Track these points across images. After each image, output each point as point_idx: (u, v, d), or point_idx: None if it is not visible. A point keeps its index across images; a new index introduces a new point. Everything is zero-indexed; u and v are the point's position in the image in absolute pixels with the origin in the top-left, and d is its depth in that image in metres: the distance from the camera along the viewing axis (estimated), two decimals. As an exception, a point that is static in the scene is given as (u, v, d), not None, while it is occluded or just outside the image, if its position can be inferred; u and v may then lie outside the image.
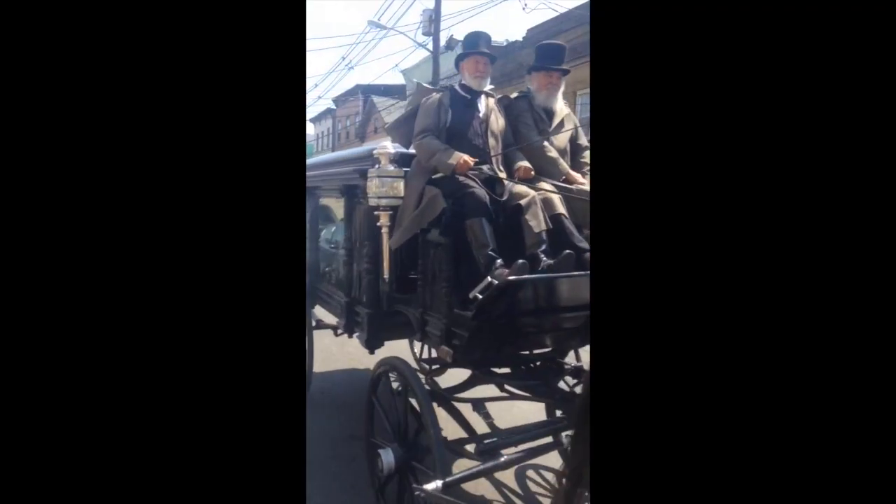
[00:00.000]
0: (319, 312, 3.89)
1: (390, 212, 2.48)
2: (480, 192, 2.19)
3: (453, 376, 2.65)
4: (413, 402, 2.26)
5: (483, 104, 2.56)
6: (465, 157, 2.28)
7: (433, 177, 2.38)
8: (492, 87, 2.66)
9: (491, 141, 2.49)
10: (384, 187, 2.44)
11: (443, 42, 13.54)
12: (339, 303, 3.28)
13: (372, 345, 2.93)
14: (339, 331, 3.59)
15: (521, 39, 13.84)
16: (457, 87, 2.62)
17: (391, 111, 19.31)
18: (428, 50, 13.30)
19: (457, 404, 2.52)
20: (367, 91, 23.29)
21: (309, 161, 4.01)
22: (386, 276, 2.53)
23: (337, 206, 3.53)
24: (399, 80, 19.53)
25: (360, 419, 2.72)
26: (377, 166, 2.48)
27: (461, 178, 2.24)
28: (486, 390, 2.62)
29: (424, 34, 13.41)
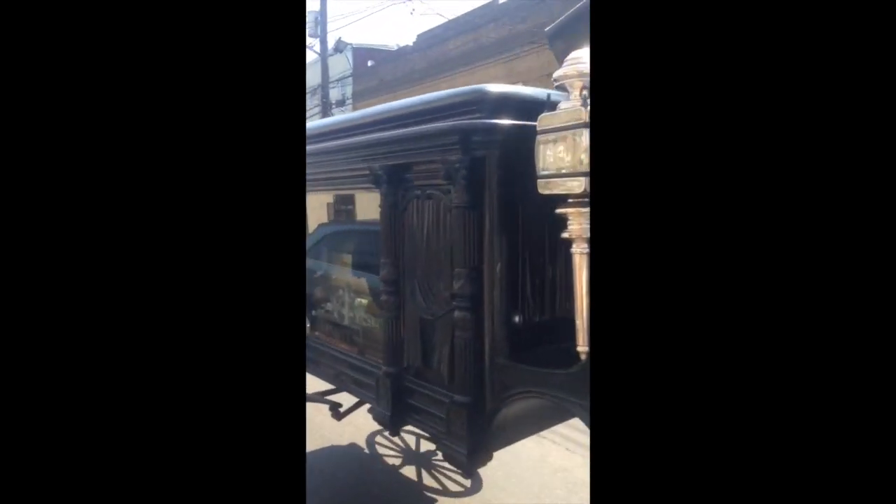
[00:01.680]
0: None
1: (587, 208, 1.23)
2: None
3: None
4: None
5: None
6: None
7: None
8: None
9: None
10: (584, 154, 1.16)
11: (330, 44, 13.25)
12: (365, 372, 2.09)
13: (474, 464, 1.66)
14: (343, 410, 2.49)
15: (411, 45, 13.81)
16: None
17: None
18: (316, 52, 12.93)
19: None
20: (250, 93, 22.08)
21: None
22: (581, 347, 1.34)
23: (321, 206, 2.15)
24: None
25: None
26: (566, 106, 1.22)
27: None
28: None
29: (311, 36, 13.05)
